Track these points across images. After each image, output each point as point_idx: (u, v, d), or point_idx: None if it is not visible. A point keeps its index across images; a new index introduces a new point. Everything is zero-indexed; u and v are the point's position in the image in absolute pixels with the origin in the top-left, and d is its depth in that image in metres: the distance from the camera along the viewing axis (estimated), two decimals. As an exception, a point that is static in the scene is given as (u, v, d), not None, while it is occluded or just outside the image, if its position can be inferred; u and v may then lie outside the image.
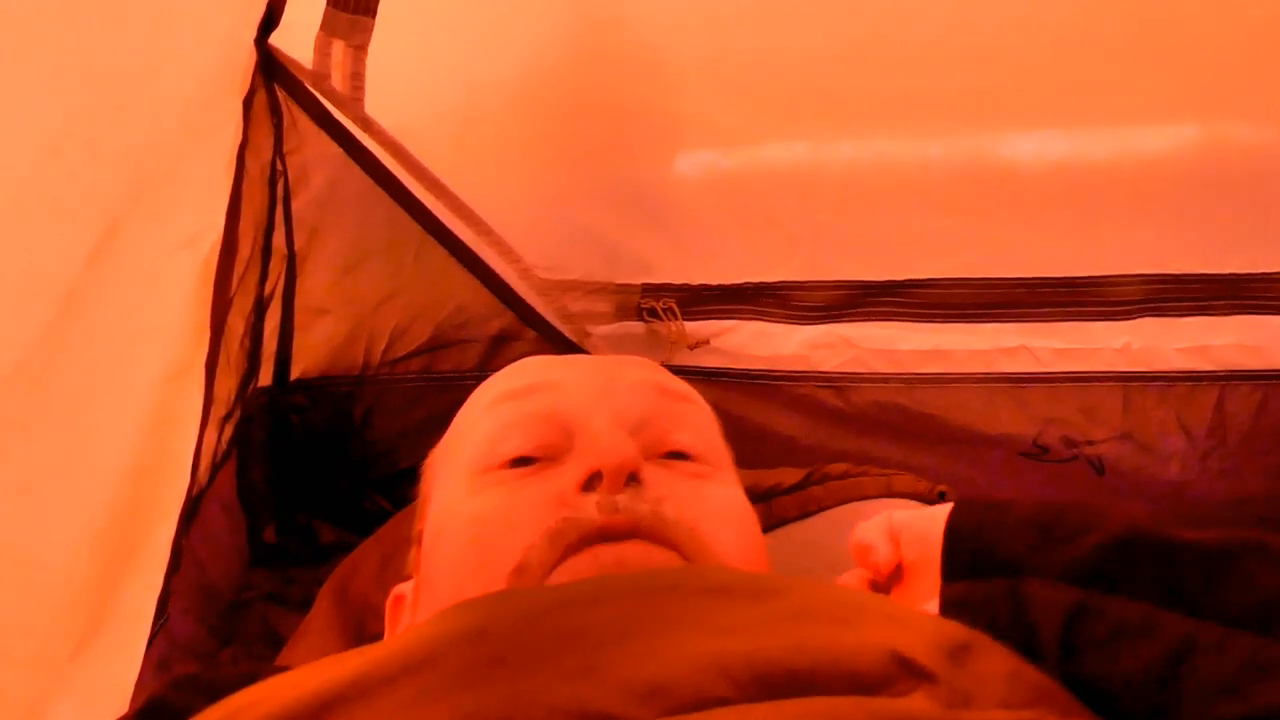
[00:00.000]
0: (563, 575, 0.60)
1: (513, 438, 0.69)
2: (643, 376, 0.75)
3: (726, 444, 0.77)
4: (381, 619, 0.85)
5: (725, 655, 0.46)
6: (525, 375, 0.76)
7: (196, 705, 0.52)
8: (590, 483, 0.64)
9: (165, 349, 0.83)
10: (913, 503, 0.90)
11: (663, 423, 0.71)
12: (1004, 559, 0.55)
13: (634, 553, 0.61)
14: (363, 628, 0.88)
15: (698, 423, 0.74)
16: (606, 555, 0.61)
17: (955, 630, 0.51)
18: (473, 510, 0.67)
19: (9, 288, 0.67)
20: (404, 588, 0.75)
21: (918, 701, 0.45)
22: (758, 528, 0.71)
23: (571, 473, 0.65)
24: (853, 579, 0.65)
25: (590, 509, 0.62)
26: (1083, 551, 0.53)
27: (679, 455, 0.70)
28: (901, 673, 0.46)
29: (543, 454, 0.68)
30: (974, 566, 0.56)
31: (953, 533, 0.58)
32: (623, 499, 0.63)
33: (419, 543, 0.73)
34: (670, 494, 0.65)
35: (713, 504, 0.68)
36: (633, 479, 0.64)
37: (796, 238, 1.12)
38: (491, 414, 0.72)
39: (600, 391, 0.71)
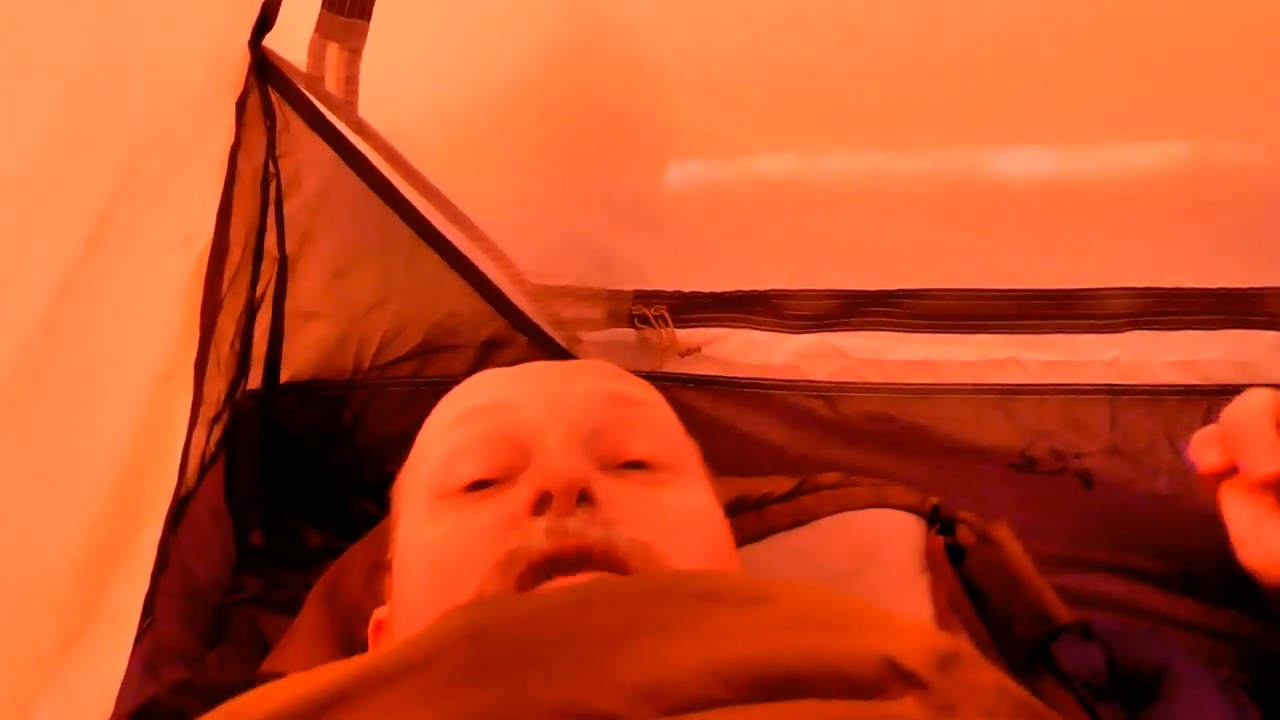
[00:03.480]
0: None
1: (467, 461, 0.68)
2: (596, 385, 0.75)
3: (691, 441, 0.76)
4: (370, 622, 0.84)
5: (721, 658, 0.47)
6: (478, 394, 0.75)
7: (192, 709, 0.52)
8: (540, 505, 0.63)
9: (155, 349, 0.83)
10: (907, 514, 0.90)
11: (618, 431, 0.70)
12: None
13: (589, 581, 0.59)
14: (351, 631, 0.88)
15: (655, 426, 0.73)
16: (562, 587, 0.59)
17: (944, 640, 0.52)
18: (430, 539, 0.66)
19: (-1, 287, 0.67)
20: (381, 612, 0.74)
21: (909, 707, 0.46)
22: (724, 530, 0.70)
23: (523, 495, 0.64)
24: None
25: (539, 535, 0.61)
26: None
27: (636, 465, 0.69)
28: (894, 678, 0.47)
29: (499, 475, 0.67)
30: None
31: None
32: (573, 522, 0.61)
33: (390, 569, 0.72)
34: (625, 513, 0.63)
35: (672, 514, 0.67)
36: (584, 498, 0.63)
37: (788, 247, 1.13)
38: (447, 438, 0.72)
39: (553, 406, 0.71)
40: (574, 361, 0.89)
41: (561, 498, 0.62)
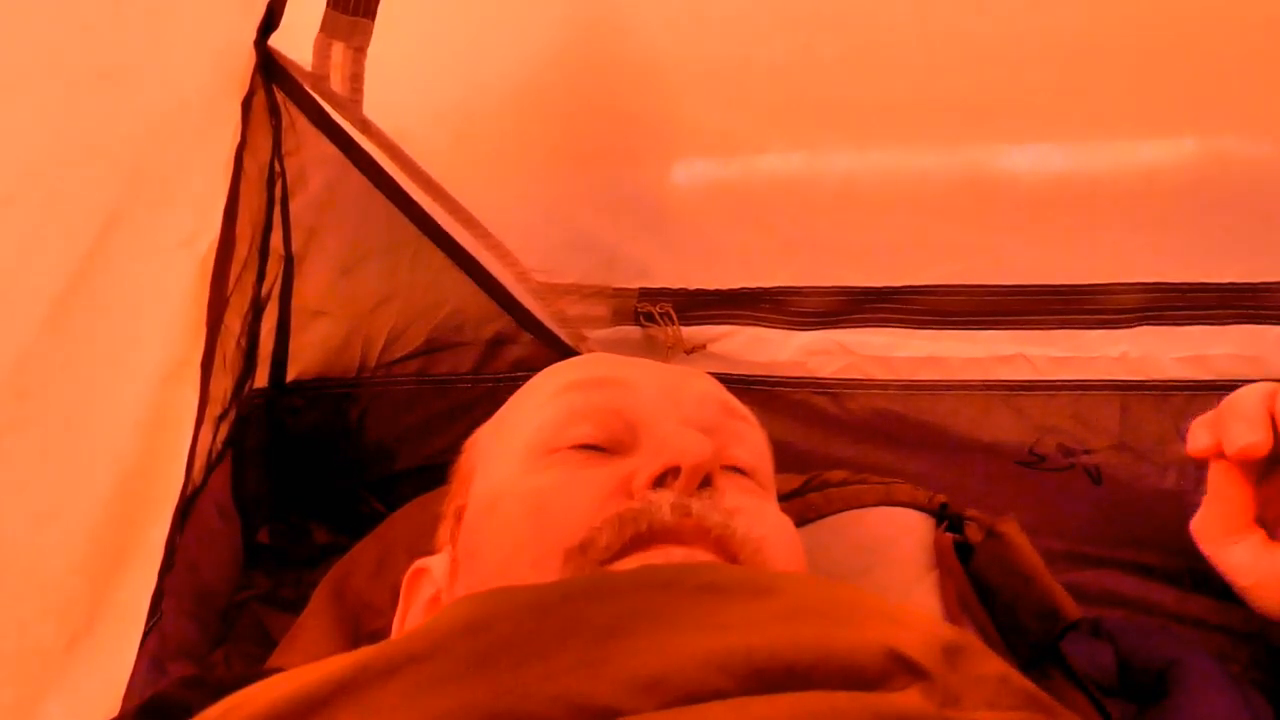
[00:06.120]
0: (628, 564, 0.60)
1: (580, 425, 0.69)
2: (710, 389, 0.76)
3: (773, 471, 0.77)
4: (378, 616, 0.84)
5: (723, 650, 0.46)
6: (594, 369, 0.77)
7: (199, 704, 0.52)
8: (663, 479, 0.63)
9: (162, 348, 0.83)
10: (914, 512, 0.90)
11: (724, 437, 0.71)
12: None
13: (702, 559, 0.60)
14: (359, 626, 0.88)
15: (756, 445, 0.74)
16: (676, 555, 0.60)
17: (948, 631, 0.51)
18: (533, 485, 0.67)
19: (5, 285, 0.67)
20: (428, 561, 0.74)
21: (913, 698, 0.46)
22: (803, 553, 0.70)
23: (644, 465, 0.64)
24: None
25: (663, 507, 0.61)
26: None
27: (738, 471, 0.70)
28: (898, 670, 0.47)
29: (609, 446, 0.68)
30: None
31: None
32: (696, 503, 0.62)
33: (457, 517, 0.72)
34: (740, 507, 0.64)
35: (773, 524, 0.68)
36: (707, 482, 0.64)
37: (794, 244, 1.13)
38: (558, 400, 0.72)
39: (667, 394, 0.72)
40: (685, 367, 0.90)
41: (688, 477, 0.62)
